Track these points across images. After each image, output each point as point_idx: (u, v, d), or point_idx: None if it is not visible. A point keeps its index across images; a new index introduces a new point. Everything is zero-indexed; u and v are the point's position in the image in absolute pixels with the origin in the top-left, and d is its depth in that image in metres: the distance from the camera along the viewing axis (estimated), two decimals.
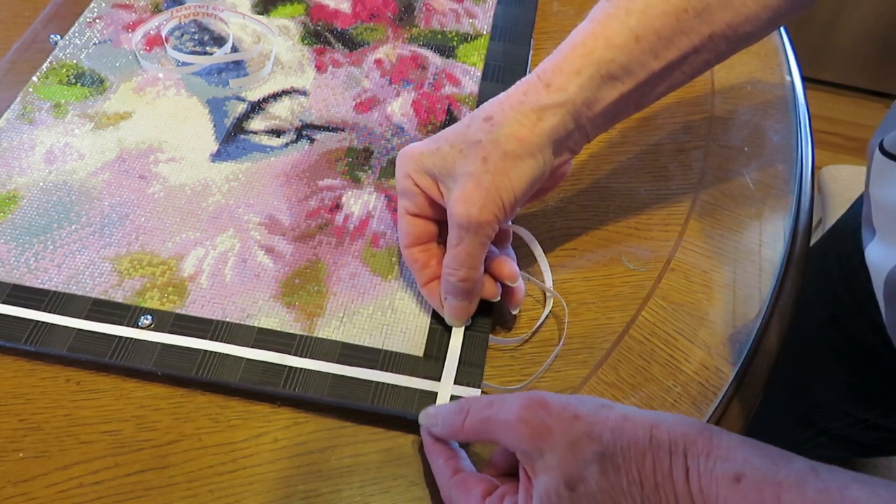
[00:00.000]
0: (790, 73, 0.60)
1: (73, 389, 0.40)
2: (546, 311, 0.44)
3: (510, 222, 0.46)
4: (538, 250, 0.47)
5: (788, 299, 0.47)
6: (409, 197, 0.41)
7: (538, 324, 0.44)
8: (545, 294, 0.45)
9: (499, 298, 0.42)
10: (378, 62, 0.57)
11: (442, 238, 0.42)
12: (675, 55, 0.39)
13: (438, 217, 0.42)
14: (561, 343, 0.43)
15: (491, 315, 0.43)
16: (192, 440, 0.39)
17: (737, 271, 0.47)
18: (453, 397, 0.40)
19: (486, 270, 0.41)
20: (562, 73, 0.38)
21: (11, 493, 0.37)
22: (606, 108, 0.39)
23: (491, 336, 0.43)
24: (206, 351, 0.41)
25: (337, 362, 0.41)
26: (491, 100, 0.40)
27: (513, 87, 0.40)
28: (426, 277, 0.42)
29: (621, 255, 0.48)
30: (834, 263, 0.62)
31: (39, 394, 0.40)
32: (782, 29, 0.63)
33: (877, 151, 0.44)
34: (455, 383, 0.40)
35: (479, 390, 0.40)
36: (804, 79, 0.60)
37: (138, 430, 0.39)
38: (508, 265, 0.41)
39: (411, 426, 0.39)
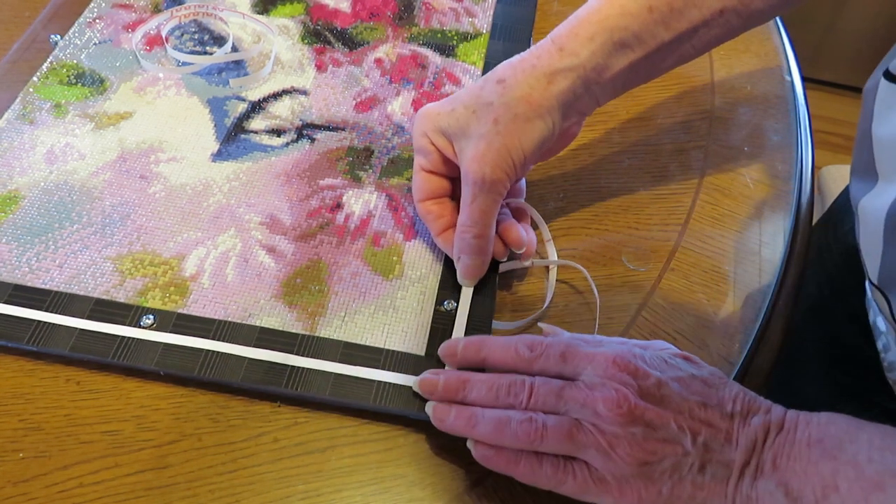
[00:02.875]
0: (790, 73, 0.60)
1: (74, 389, 0.40)
2: (548, 302, 0.44)
3: (523, 199, 0.47)
4: (543, 226, 0.48)
5: (788, 299, 0.47)
6: (425, 154, 0.43)
7: (541, 309, 0.44)
8: (546, 286, 0.45)
9: (506, 258, 0.44)
10: (378, 61, 0.57)
11: (455, 194, 0.45)
12: (685, 27, 0.40)
13: (451, 174, 0.44)
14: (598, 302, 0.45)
15: (492, 315, 0.43)
16: (192, 440, 0.39)
17: (737, 271, 0.47)
18: None
19: (496, 233, 0.43)
20: (576, 37, 0.40)
21: (11, 493, 0.37)
22: (616, 75, 0.41)
23: (494, 321, 0.43)
24: (208, 350, 0.41)
25: (339, 361, 0.41)
26: (505, 62, 0.42)
27: (527, 50, 0.41)
28: (440, 227, 0.44)
29: (621, 255, 0.48)
30: (815, 255, 0.62)
31: (39, 394, 0.40)
32: (782, 29, 0.63)
33: (882, 80, 0.43)
34: None
35: None
36: (804, 79, 0.60)
37: (138, 430, 0.39)
38: (515, 230, 0.44)
39: (412, 426, 0.39)
